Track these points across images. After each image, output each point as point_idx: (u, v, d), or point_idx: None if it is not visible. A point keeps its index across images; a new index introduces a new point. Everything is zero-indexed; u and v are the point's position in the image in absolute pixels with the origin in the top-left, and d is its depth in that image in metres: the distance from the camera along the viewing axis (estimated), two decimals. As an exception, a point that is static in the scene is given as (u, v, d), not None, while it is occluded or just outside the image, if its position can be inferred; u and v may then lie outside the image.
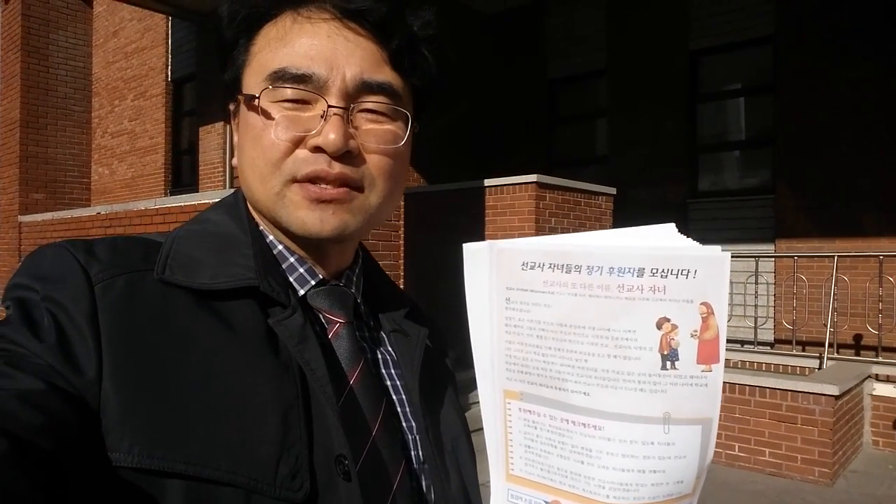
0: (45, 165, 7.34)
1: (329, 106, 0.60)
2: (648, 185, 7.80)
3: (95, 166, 10.73)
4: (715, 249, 0.50)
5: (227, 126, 9.28)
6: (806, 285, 6.26)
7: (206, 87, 9.73)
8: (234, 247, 0.63)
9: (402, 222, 6.45)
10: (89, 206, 9.57)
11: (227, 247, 0.63)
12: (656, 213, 7.70)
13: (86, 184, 7.67)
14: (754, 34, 7.20)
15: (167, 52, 10.61)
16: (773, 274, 6.85)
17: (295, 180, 0.61)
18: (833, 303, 5.64)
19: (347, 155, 0.61)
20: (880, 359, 5.41)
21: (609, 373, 0.49)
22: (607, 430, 0.49)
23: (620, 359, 0.49)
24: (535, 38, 8.89)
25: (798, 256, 6.10)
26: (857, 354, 6.18)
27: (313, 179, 0.61)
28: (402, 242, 6.24)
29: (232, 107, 0.69)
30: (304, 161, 0.61)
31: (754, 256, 6.39)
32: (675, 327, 0.48)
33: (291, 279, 0.66)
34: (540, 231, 5.92)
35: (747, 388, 4.74)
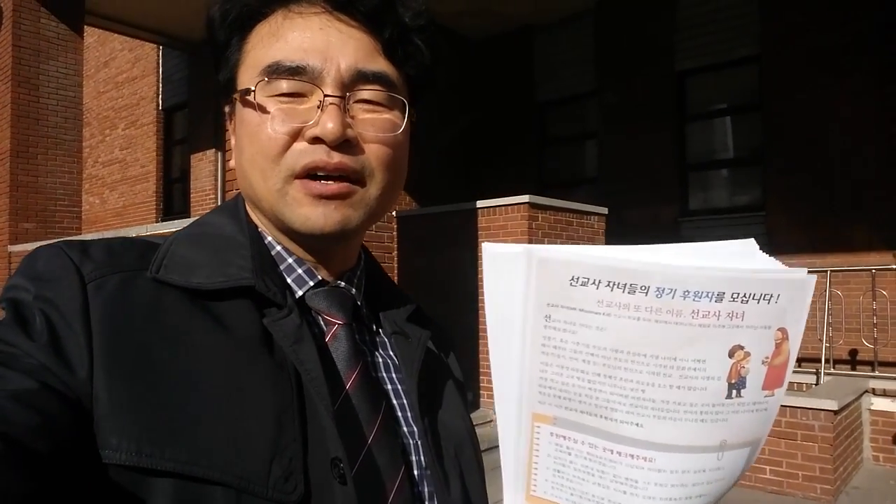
0: (35, 195, 7.30)
1: (325, 95, 0.60)
2: (640, 204, 7.84)
3: (86, 195, 10.70)
4: (801, 272, 0.46)
5: (219, 153, 9.31)
6: (800, 301, 6.27)
7: (197, 115, 9.77)
8: (231, 248, 0.63)
9: (395, 244, 6.44)
10: (80, 235, 9.52)
11: (225, 248, 0.63)
12: (648, 232, 7.73)
13: (76, 213, 7.62)
14: (740, 54, 7.32)
15: (158, 81, 10.67)
16: (767, 290, 6.87)
17: (295, 176, 0.61)
18: (827, 318, 5.65)
19: (346, 144, 0.61)
20: (877, 373, 5.41)
21: (669, 404, 0.44)
22: (658, 462, 0.45)
23: (684, 390, 0.44)
24: (524, 61, 9.00)
25: (791, 272, 6.11)
26: (854, 369, 6.17)
27: (313, 171, 0.60)
28: (395, 265, 6.22)
29: (227, 108, 0.68)
30: (303, 153, 0.60)
31: (747, 273, 6.40)
32: (747, 355, 0.45)
33: (289, 280, 0.65)
34: (533, 251, 5.92)
35: (745, 405, 4.72)
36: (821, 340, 5.69)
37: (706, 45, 7.53)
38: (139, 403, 0.51)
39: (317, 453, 0.55)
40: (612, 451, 0.47)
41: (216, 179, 9.33)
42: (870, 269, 5.68)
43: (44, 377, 0.49)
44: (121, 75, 11.45)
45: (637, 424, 0.45)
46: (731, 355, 0.44)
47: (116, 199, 11.40)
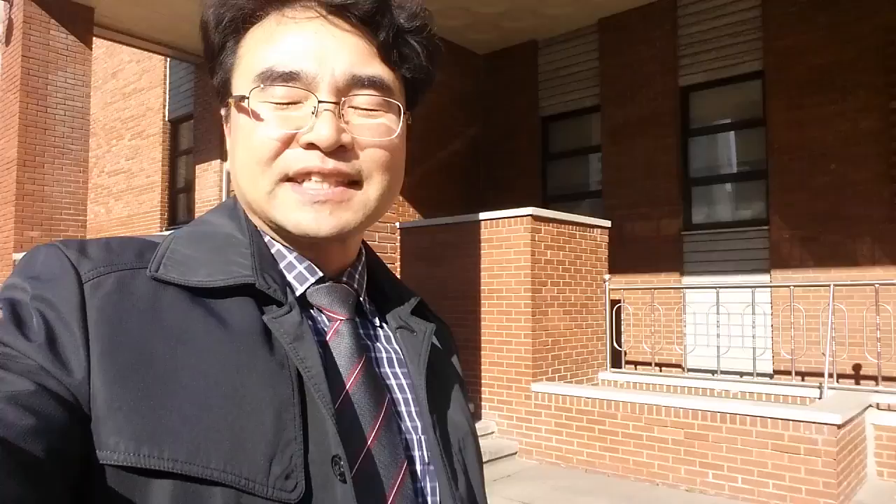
0: (41, 203, 7.34)
1: (319, 101, 0.59)
2: (643, 218, 7.85)
3: (92, 205, 10.76)
4: None
5: (223, 164, 9.36)
6: (803, 315, 6.26)
7: (202, 125, 9.84)
8: (231, 246, 0.62)
9: (398, 255, 6.46)
10: (85, 244, 9.52)
11: (225, 246, 0.62)
12: (651, 246, 7.74)
13: (81, 222, 7.66)
14: (744, 70, 7.35)
15: (165, 92, 10.76)
16: (770, 305, 6.86)
17: (287, 178, 0.60)
18: (831, 332, 5.64)
19: (341, 150, 0.60)
20: (880, 388, 5.38)
21: None
22: None
23: None
24: (529, 76, 9.05)
25: (794, 286, 6.12)
26: (857, 384, 6.15)
27: (306, 175, 0.60)
28: (398, 276, 6.22)
29: (223, 112, 0.68)
30: (296, 159, 0.60)
31: (750, 287, 6.41)
32: None
33: (290, 277, 0.65)
34: (535, 263, 5.94)
35: (748, 417, 4.69)
36: (824, 355, 5.67)
37: (710, 60, 7.57)
38: (137, 403, 0.50)
39: (317, 452, 0.55)
40: None
41: (221, 189, 9.38)
42: (873, 284, 5.67)
43: (41, 378, 0.48)
44: (128, 86, 11.55)
45: None
46: None
47: (122, 209, 11.46)
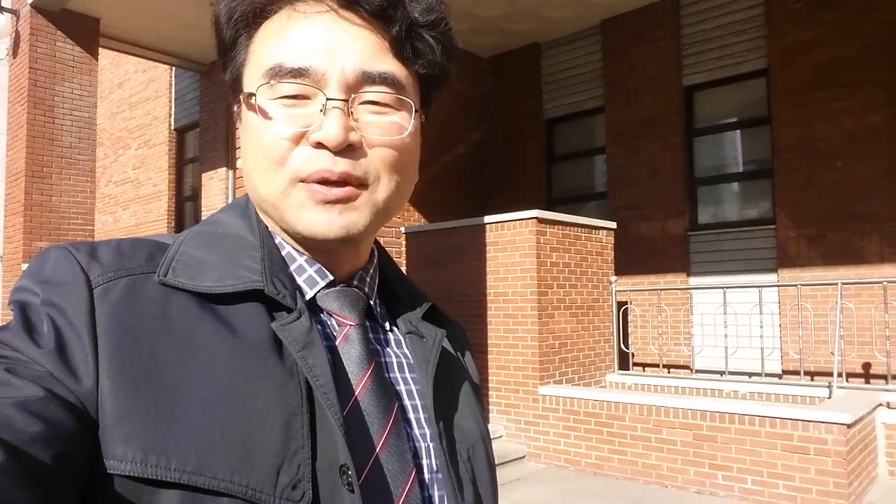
0: (49, 214, 7.41)
1: (328, 99, 0.58)
2: (649, 219, 7.84)
3: (99, 214, 10.83)
4: None
5: (230, 171, 9.41)
6: (811, 314, 6.23)
7: (208, 134, 9.89)
8: (242, 248, 0.62)
9: (404, 259, 6.47)
10: (93, 253, 9.58)
11: (235, 248, 0.62)
12: (658, 246, 7.72)
13: (89, 231, 7.72)
14: (748, 68, 7.33)
15: (171, 101, 10.82)
16: (778, 304, 6.82)
17: (301, 180, 0.59)
18: (839, 331, 5.60)
19: (349, 149, 0.59)
20: (890, 386, 5.34)
21: None
22: None
23: None
24: (533, 78, 9.06)
25: (801, 285, 6.09)
26: (867, 383, 6.11)
27: (319, 182, 0.59)
28: (404, 281, 6.22)
29: (235, 108, 0.67)
30: (308, 159, 0.59)
31: (757, 287, 6.38)
32: None
33: (300, 281, 0.64)
34: (541, 266, 5.94)
35: (757, 418, 4.67)
36: (833, 354, 5.64)
37: (713, 59, 7.56)
38: (145, 413, 0.50)
39: (325, 461, 0.54)
40: None
41: (227, 197, 9.42)
42: (881, 282, 5.64)
43: (49, 385, 0.48)
44: (134, 96, 11.62)
45: None
46: None
47: (129, 218, 11.53)
